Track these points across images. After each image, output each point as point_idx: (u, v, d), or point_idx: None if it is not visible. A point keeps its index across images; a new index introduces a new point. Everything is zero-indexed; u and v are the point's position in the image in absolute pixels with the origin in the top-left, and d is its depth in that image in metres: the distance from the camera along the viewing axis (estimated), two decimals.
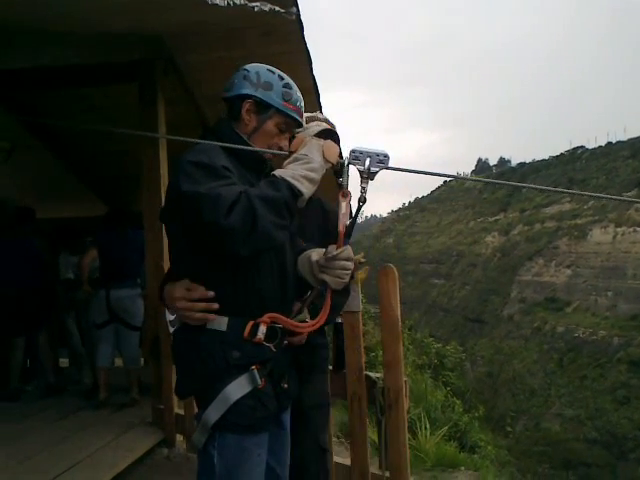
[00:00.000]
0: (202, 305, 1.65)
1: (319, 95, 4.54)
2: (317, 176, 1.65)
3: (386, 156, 1.71)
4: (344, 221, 1.70)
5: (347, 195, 1.70)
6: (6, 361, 5.33)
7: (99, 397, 4.70)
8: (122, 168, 5.37)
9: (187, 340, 1.72)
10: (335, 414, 5.04)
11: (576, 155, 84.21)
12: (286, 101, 1.82)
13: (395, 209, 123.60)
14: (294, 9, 3.25)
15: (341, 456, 3.44)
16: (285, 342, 1.76)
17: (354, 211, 1.77)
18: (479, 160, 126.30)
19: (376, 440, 3.24)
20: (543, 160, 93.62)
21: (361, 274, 3.11)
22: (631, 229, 55.18)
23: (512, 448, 12.02)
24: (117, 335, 4.92)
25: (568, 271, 59.51)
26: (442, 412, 6.67)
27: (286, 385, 1.81)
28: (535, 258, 64.28)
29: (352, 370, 3.06)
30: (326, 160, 1.67)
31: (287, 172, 1.61)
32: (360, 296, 3.11)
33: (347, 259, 1.69)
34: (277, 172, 1.62)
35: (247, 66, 1.87)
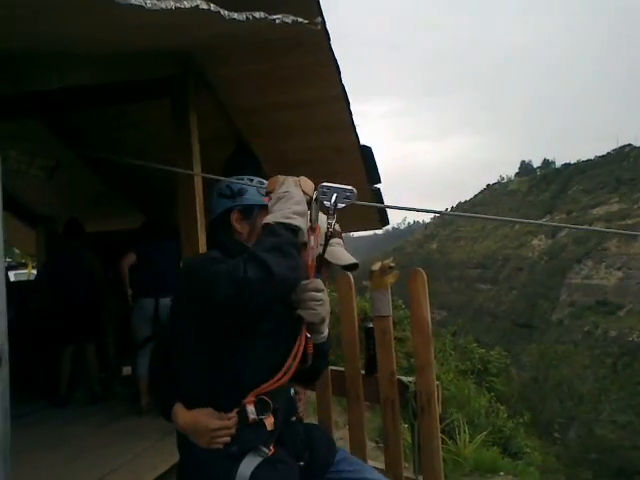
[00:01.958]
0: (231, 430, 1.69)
1: (349, 103, 4.58)
2: (304, 208, 1.72)
3: (352, 192, 1.80)
4: (312, 255, 1.75)
5: (315, 230, 1.76)
6: (56, 370, 5.56)
7: (141, 404, 4.83)
8: (158, 182, 5.51)
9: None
10: (370, 418, 5.05)
11: (623, 154, 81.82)
12: (265, 195, 1.90)
13: (437, 215, 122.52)
14: (319, 19, 3.28)
15: (377, 461, 3.43)
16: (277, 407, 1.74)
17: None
18: (522, 162, 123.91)
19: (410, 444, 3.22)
20: (589, 160, 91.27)
21: (390, 279, 3.13)
22: None
23: (561, 455, 11.70)
24: None
25: (619, 273, 57.75)
26: (486, 417, 6.58)
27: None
28: (584, 260, 62.61)
29: (384, 374, 3.07)
30: (305, 193, 1.75)
31: (277, 215, 1.67)
32: (390, 300, 3.12)
33: (316, 290, 1.73)
34: (268, 219, 1.67)
35: (215, 187, 2.01)
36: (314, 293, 1.73)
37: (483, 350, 11.00)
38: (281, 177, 1.81)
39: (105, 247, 6.13)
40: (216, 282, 1.56)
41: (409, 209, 2.22)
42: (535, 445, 7.89)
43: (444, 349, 8.94)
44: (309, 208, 1.76)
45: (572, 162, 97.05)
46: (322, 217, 1.84)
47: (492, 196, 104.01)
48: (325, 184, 1.79)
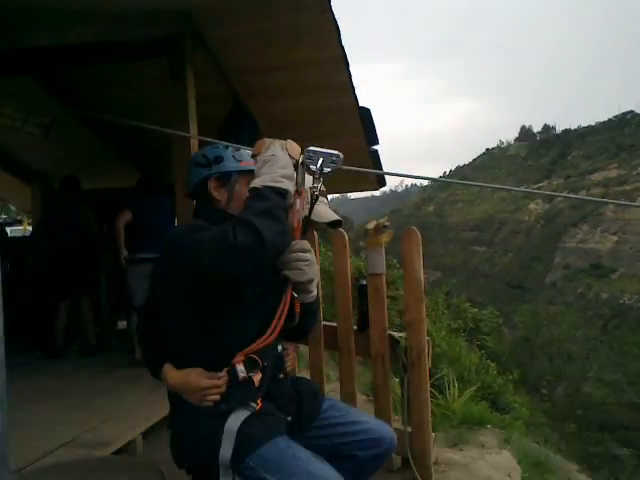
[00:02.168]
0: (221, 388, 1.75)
1: (348, 64, 4.55)
2: (291, 171, 1.72)
3: (338, 156, 1.81)
4: (298, 217, 1.78)
5: (301, 193, 1.79)
6: (51, 323, 5.67)
7: (135, 357, 4.92)
8: (153, 140, 5.50)
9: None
10: (362, 372, 5.19)
11: (625, 120, 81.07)
12: (241, 161, 1.92)
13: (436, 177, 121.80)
14: None
15: (368, 413, 3.55)
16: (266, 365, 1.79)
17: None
18: (522, 127, 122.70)
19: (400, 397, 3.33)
20: (589, 126, 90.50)
21: (385, 237, 3.18)
22: None
23: (548, 411, 12.01)
24: None
25: (614, 238, 58.00)
26: (476, 374, 6.73)
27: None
28: (580, 225, 62.78)
29: (376, 330, 3.16)
30: (291, 156, 1.76)
31: (265, 178, 1.67)
32: (384, 259, 3.18)
33: (302, 250, 1.77)
34: (256, 183, 1.67)
35: (192, 155, 2.02)
36: (301, 254, 1.77)
37: (475, 309, 11.16)
38: (268, 140, 1.80)
39: (100, 204, 6.17)
40: (201, 249, 1.58)
41: (398, 175, 2.27)
42: (523, 401, 8.10)
43: (437, 308, 9.07)
44: (295, 172, 1.77)
45: (573, 128, 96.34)
46: (308, 179, 1.85)
47: (491, 160, 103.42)
48: (311, 148, 1.80)
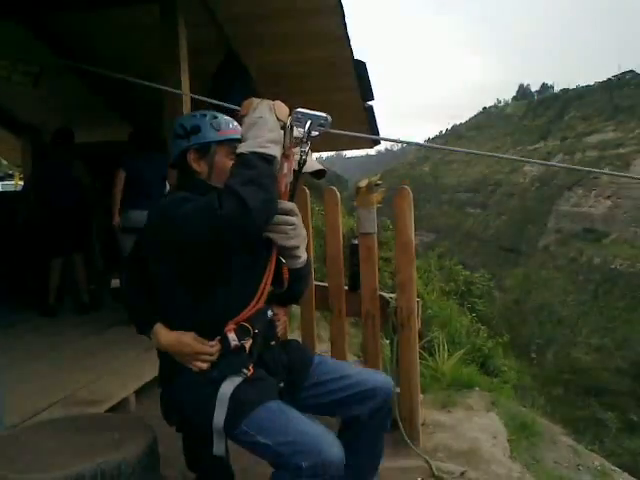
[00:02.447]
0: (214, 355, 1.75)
1: (344, 15, 4.43)
2: (278, 136, 1.68)
3: (327, 119, 1.78)
4: (285, 180, 1.76)
5: (289, 156, 1.75)
6: (45, 280, 5.62)
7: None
8: (145, 91, 5.38)
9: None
10: (354, 334, 5.21)
11: (624, 81, 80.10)
12: (219, 130, 1.84)
13: (431, 137, 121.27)
14: None
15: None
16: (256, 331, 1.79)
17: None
18: (520, 86, 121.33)
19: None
20: (588, 86, 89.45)
21: (377, 196, 3.13)
22: None
23: (537, 375, 12.21)
24: None
25: (608, 202, 58.03)
26: (466, 337, 6.79)
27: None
28: (574, 188, 62.70)
29: (367, 290, 3.13)
30: (278, 119, 1.71)
31: (251, 143, 1.63)
32: (376, 218, 3.13)
33: (288, 212, 1.75)
34: (242, 148, 1.63)
35: (174, 126, 1.93)
36: (287, 217, 1.75)
37: (467, 272, 11.22)
38: (255, 100, 1.76)
39: (92, 158, 6.06)
40: (188, 221, 1.58)
41: (385, 139, 2.19)
42: (512, 364, 8.20)
43: (429, 270, 9.10)
44: (283, 134, 1.73)
45: (571, 87, 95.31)
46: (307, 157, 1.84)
47: (488, 119, 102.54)
48: (300, 110, 1.77)
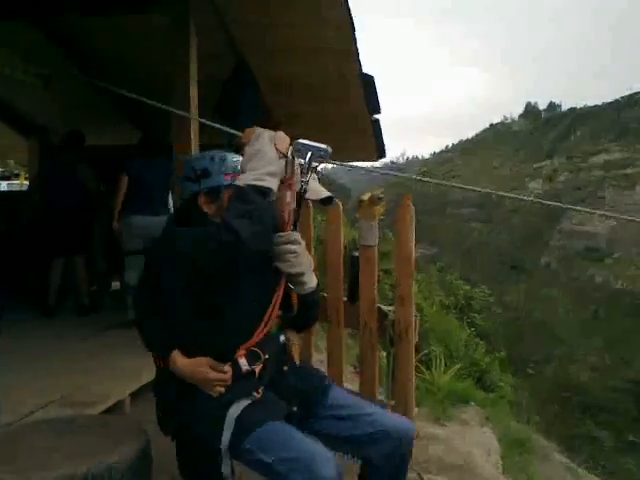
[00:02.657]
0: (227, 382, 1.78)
1: (354, 28, 4.46)
2: (276, 168, 1.76)
3: (326, 151, 1.86)
4: (288, 209, 1.82)
5: (291, 185, 1.82)
6: (45, 281, 5.65)
7: (128, 317, 4.93)
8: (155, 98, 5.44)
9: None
10: (352, 345, 5.21)
11: (633, 101, 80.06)
12: (227, 173, 1.89)
13: (437, 151, 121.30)
14: None
15: (353, 384, 3.57)
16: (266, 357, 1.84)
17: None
18: (528, 104, 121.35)
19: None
20: (595, 106, 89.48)
21: (379, 209, 3.15)
22: None
23: (533, 391, 12.16)
24: None
25: (612, 221, 57.96)
26: (464, 351, 6.78)
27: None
28: (579, 206, 62.64)
29: (365, 302, 3.14)
30: (278, 151, 1.78)
31: (249, 176, 1.70)
32: (377, 230, 3.15)
33: (289, 242, 1.80)
34: (240, 181, 1.71)
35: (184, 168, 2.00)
36: (289, 246, 1.80)
37: (468, 287, 11.20)
38: (258, 129, 1.83)
39: (99, 161, 6.09)
40: (190, 255, 1.67)
41: (389, 173, 2.23)
42: (509, 380, 8.17)
43: (430, 283, 9.09)
44: (285, 163, 1.80)
45: (579, 107, 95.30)
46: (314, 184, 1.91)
47: (494, 136, 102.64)
48: (300, 141, 1.84)
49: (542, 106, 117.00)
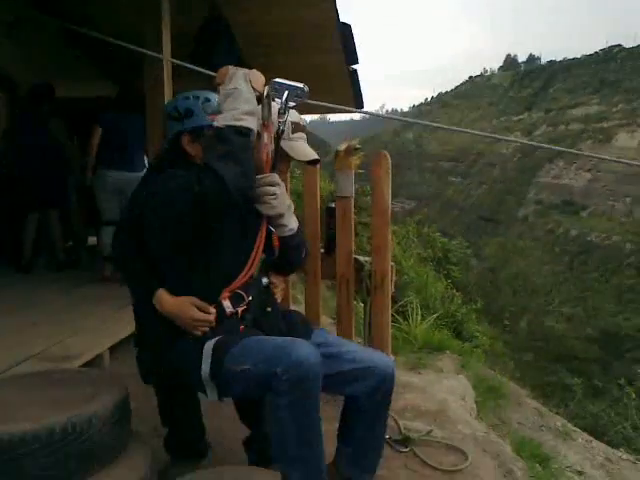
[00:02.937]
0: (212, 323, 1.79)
1: None
2: (253, 107, 1.72)
3: (303, 90, 1.82)
4: (266, 150, 1.79)
5: (268, 126, 1.79)
6: (20, 237, 5.57)
7: (105, 273, 4.90)
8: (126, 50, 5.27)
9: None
10: (330, 297, 5.26)
11: (611, 54, 79.98)
12: (210, 114, 1.85)
13: (417, 104, 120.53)
14: None
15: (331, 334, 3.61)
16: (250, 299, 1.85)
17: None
18: (507, 56, 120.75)
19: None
20: (575, 59, 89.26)
21: (356, 160, 3.13)
22: None
23: (509, 341, 12.48)
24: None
25: (588, 175, 58.63)
26: (441, 302, 6.88)
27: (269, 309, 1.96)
28: (555, 160, 63.17)
29: (342, 253, 3.15)
30: (254, 89, 1.74)
31: (227, 116, 1.66)
32: (353, 181, 3.14)
33: (269, 184, 1.79)
34: (218, 122, 1.67)
35: (165, 106, 2.02)
36: (268, 187, 1.80)
37: (445, 240, 11.32)
38: (231, 69, 1.78)
39: (71, 114, 5.93)
40: (171, 199, 1.66)
41: (366, 113, 2.19)
42: (485, 331, 8.36)
43: (407, 236, 9.15)
44: (260, 103, 1.77)
45: (558, 59, 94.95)
46: (293, 113, 1.87)
47: (474, 89, 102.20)
48: (277, 80, 1.81)
49: (522, 58, 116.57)
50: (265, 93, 1.79)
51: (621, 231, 48.36)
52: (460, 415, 3.14)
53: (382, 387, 1.88)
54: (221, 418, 2.45)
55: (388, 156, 3.00)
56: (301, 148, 1.93)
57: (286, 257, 1.99)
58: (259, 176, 1.78)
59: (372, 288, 3.06)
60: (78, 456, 1.78)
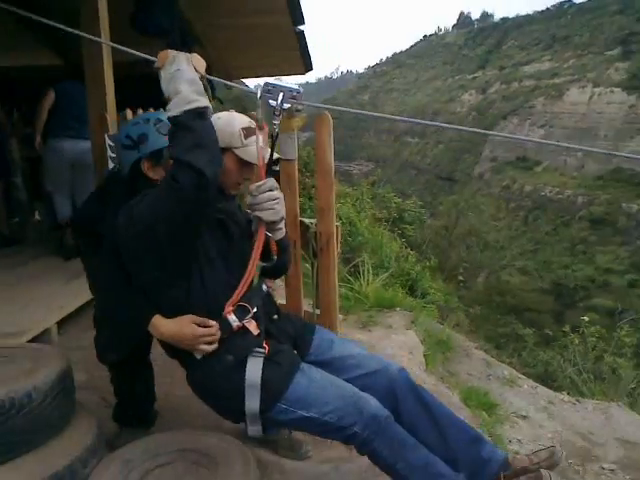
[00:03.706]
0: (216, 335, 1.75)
1: None
2: (200, 86, 1.66)
3: (299, 92, 1.78)
4: (262, 154, 1.76)
5: (262, 128, 1.76)
6: None
7: (64, 246, 4.74)
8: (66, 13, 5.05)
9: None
10: None
11: (562, 10, 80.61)
12: (165, 134, 1.77)
13: (372, 65, 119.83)
14: None
15: (280, 297, 3.63)
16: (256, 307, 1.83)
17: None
18: (461, 14, 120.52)
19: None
20: (527, 15, 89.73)
21: (298, 121, 3.10)
22: (608, 89, 54.69)
23: (465, 297, 12.79)
24: (72, 186, 4.82)
25: (541, 131, 59.54)
26: (396, 262, 6.97)
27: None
28: (510, 117, 63.95)
29: (288, 216, 3.13)
30: (197, 71, 1.69)
31: (179, 102, 1.60)
32: (296, 144, 3.12)
33: (271, 189, 1.76)
34: (172, 110, 1.60)
35: (116, 137, 2.01)
36: (270, 193, 1.76)
37: (400, 200, 11.40)
38: (171, 52, 1.71)
39: (6, 83, 5.71)
40: (154, 204, 1.61)
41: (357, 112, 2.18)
42: (440, 287, 8.52)
43: (362, 198, 9.18)
44: (202, 83, 1.71)
45: (511, 16, 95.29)
46: (241, 117, 1.87)
47: (428, 48, 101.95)
48: (270, 81, 1.77)
49: (475, 16, 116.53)
50: (258, 94, 1.76)
51: (573, 185, 49.60)
52: (409, 368, 3.21)
53: (396, 385, 1.88)
54: (172, 379, 2.47)
55: (330, 117, 2.97)
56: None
57: (281, 260, 1.96)
58: (259, 183, 1.75)
59: (318, 250, 3.08)
60: (20, 430, 1.79)
